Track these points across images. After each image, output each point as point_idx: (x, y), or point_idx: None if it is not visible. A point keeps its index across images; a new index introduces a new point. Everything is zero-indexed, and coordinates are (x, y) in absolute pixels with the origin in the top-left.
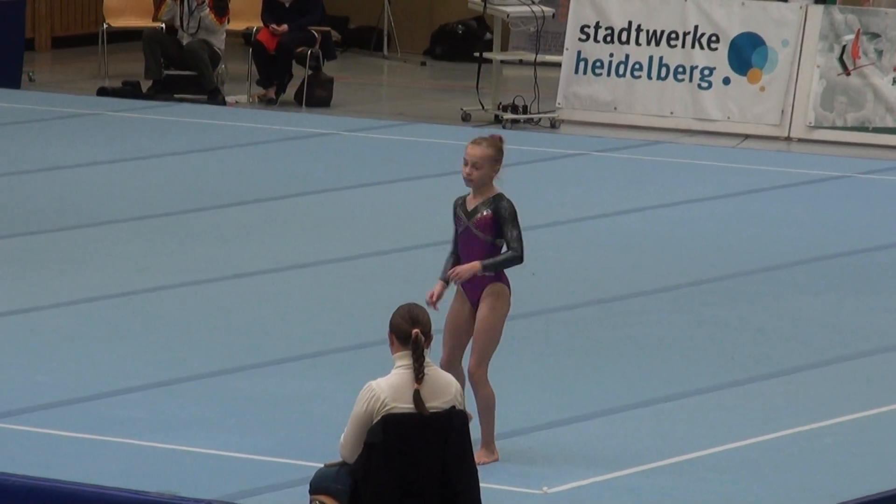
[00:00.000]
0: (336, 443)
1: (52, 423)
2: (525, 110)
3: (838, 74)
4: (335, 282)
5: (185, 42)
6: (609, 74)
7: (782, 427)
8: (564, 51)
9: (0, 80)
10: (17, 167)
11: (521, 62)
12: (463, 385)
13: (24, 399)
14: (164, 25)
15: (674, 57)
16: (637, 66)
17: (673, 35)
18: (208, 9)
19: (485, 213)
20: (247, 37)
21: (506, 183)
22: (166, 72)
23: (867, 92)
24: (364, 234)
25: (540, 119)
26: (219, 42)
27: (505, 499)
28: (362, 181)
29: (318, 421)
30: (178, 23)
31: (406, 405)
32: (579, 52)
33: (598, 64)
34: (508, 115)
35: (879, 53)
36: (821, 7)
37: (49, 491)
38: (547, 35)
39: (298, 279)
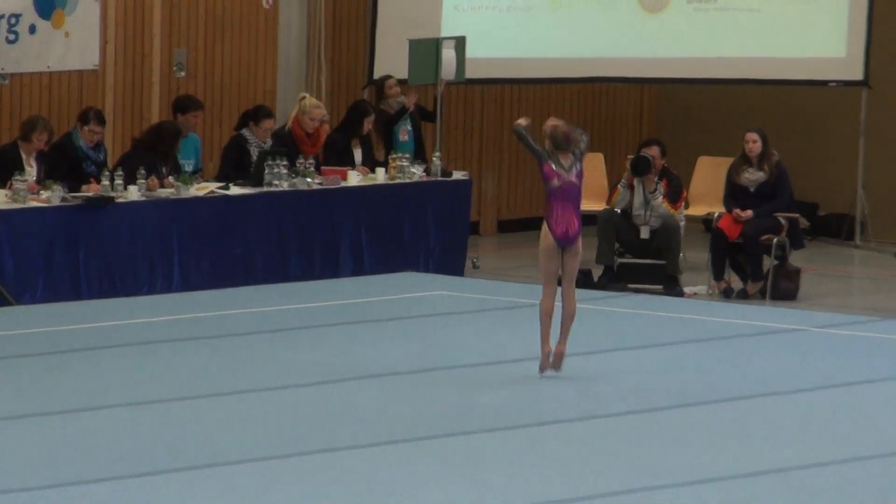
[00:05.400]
0: None
1: None
2: None
3: None
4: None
5: (642, 234)
6: None
7: None
8: None
9: (443, 266)
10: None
11: None
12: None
13: None
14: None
15: None
16: None
17: None
18: (661, 196)
19: (579, 167)
20: (707, 223)
21: None
22: (619, 259)
23: None
24: (825, 440)
25: None
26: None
27: None
28: (828, 382)
29: None
30: (631, 210)
31: None
32: None
33: None
34: None
35: None
36: None
37: None
38: None
39: (764, 486)
